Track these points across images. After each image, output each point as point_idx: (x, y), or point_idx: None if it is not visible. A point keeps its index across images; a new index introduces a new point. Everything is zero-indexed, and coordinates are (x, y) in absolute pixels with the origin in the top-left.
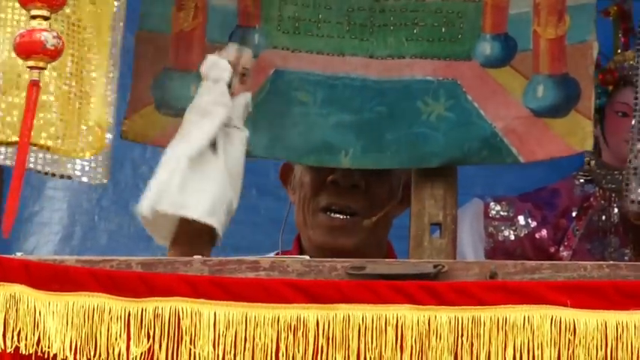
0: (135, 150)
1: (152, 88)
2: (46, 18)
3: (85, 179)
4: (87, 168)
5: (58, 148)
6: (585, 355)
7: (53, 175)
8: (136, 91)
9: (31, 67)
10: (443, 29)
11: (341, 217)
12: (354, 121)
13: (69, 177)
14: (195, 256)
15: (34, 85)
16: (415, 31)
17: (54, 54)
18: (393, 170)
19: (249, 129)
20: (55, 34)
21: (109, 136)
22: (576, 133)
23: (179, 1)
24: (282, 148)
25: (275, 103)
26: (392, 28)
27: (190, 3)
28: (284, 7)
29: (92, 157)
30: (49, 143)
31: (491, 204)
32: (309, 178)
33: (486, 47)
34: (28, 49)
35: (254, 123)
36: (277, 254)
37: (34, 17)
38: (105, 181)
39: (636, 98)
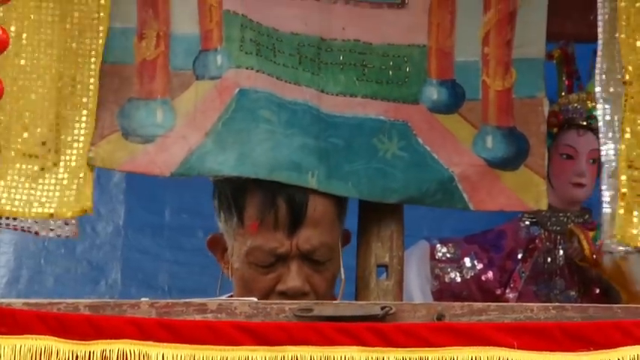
0: None
1: (117, 117)
2: None
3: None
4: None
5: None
6: None
7: (15, 228)
8: (101, 120)
9: None
10: (390, 72)
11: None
12: (315, 147)
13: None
14: (142, 299)
15: None
16: (364, 72)
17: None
18: (332, 252)
19: (216, 148)
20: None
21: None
22: (529, 190)
23: (140, 31)
24: (250, 166)
25: (241, 121)
26: (341, 67)
27: (152, 32)
28: (245, 30)
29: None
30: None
31: (438, 246)
32: (254, 286)
33: (433, 92)
34: None
35: (221, 142)
36: (230, 296)
37: None
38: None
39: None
